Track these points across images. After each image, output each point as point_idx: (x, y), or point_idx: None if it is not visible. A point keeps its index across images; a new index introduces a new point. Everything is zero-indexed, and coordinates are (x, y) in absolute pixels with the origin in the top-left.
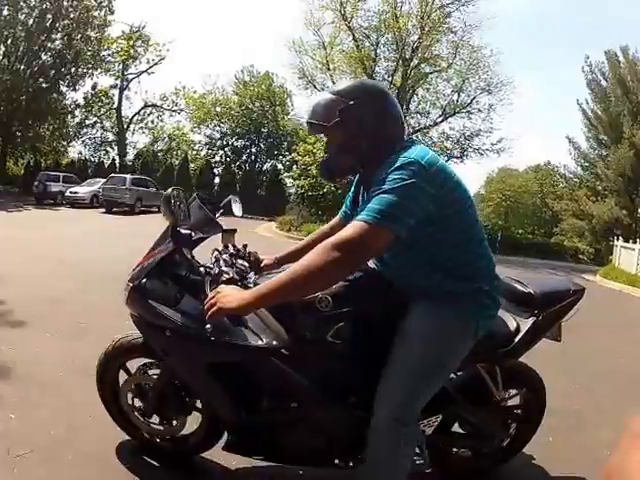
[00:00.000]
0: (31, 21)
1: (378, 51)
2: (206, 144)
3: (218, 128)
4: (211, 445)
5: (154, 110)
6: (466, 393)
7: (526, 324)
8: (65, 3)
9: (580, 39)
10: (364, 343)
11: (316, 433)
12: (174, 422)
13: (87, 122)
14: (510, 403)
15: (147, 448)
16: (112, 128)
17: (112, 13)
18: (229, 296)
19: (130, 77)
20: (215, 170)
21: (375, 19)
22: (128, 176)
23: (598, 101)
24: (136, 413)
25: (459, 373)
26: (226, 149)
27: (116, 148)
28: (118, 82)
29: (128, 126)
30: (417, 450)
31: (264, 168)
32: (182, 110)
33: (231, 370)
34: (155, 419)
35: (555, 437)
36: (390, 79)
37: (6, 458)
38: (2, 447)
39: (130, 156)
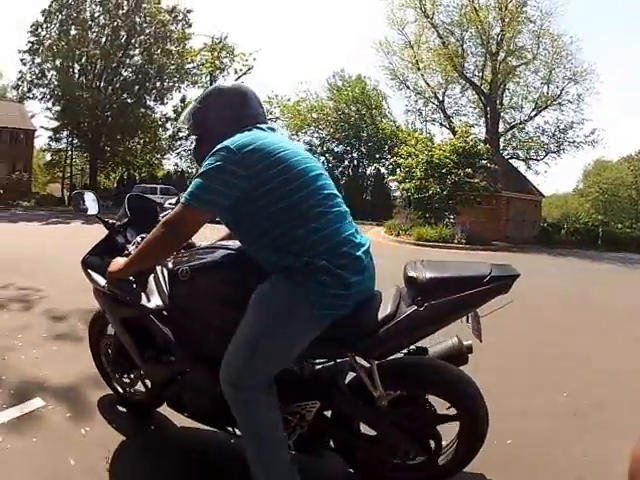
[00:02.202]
0: (104, 39)
1: (464, 47)
2: (307, 151)
3: (317, 134)
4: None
5: None
6: (352, 387)
7: (405, 312)
8: (138, 19)
9: None
10: (223, 315)
11: (199, 393)
12: (130, 376)
13: (180, 134)
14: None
15: (122, 400)
16: None
17: (190, 26)
18: (116, 264)
19: None
20: None
21: (456, 14)
22: None
23: None
24: (108, 368)
25: (333, 361)
26: (327, 155)
27: None
28: None
29: None
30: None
31: (367, 172)
32: (277, 118)
33: (136, 325)
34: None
35: None
36: (480, 74)
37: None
38: None
39: None
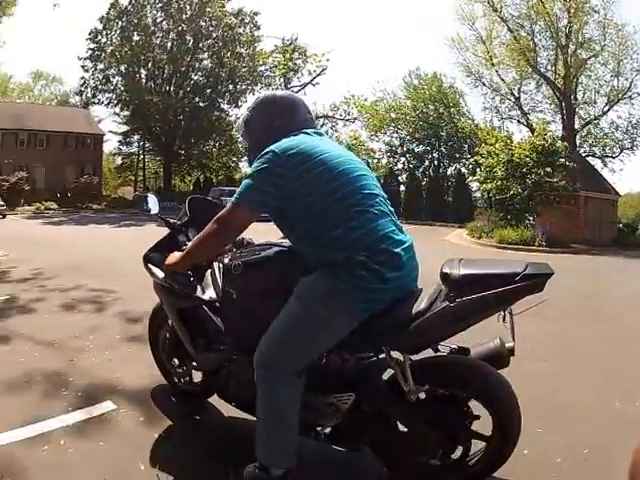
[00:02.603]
0: (170, 44)
1: (535, 40)
2: (387, 152)
3: (396, 134)
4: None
5: (327, 121)
6: (390, 382)
7: (436, 308)
8: (203, 23)
9: None
10: (269, 307)
11: (243, 381)
12: (185, 367)
13: None
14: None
15: (175, 391)
16: None
17: (258, 28)
18: (173, 257)
19: (295, 90)
20: (400, 178)
21: (524, 6)
22: None
23: None
24: (165, 360)
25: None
26: (407, 155)
27: None
28: None
29: None
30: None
31: (448, 173)
32: (356, 119)
33: (191, 317)
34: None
35: None
36: (553, 69)
37: None
38: None
39: None
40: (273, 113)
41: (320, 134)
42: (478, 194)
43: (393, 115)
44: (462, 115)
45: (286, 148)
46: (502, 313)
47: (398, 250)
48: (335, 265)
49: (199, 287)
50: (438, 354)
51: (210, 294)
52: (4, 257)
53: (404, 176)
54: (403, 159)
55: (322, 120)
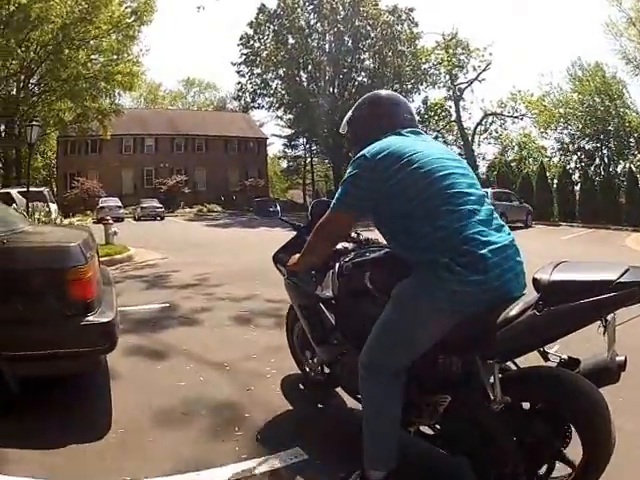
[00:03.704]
0: (327, 45)
1: None
2: (559, 149)
3: (566, 131)
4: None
5: (495, 118)
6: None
7: (524, 317)
8: (359, 23)
9: None
10: (373, 305)
11: (354, 373)
12: (314, 359)
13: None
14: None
15: (304, 379)
16: (455, 141)
17: (416, 25)
18: (293, 260)
19: (462, 87)
20: (572, 177)
21: None
22: (489, 190)
23: None
24: (297, 350)
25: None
26: (579, 153)
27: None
28: (450, 93)
29: (472, 137)
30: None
31: (619, 171)
32: (524, 115)
33: (312, 311)
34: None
35: None
36: None
37: None
38: None
39: (482, 168)
40: (373, 113)
41: (417, 133)
42: None
43: (561, 110)
44: (627, 107)
45: (376, 152)
46: (601, 323)
47: (483, 252)
48: (422, 266)
49: (319, 285)
50: (543, 365)
51: (327, 292)
52: (162, 260)
53: (577, 175)
54: (575, 157)
55: (491, 118)
